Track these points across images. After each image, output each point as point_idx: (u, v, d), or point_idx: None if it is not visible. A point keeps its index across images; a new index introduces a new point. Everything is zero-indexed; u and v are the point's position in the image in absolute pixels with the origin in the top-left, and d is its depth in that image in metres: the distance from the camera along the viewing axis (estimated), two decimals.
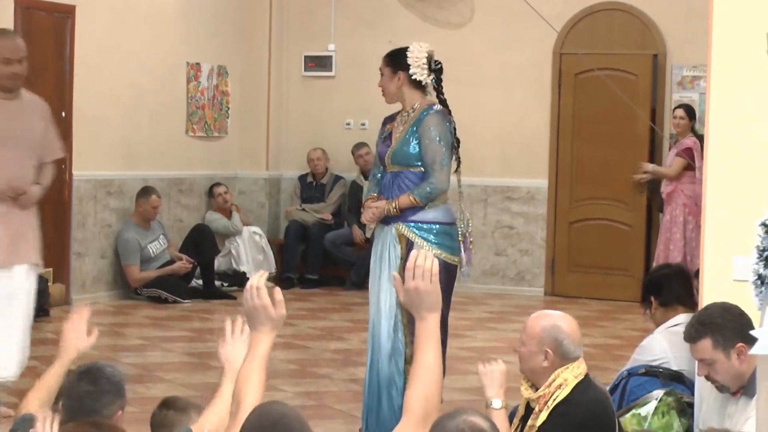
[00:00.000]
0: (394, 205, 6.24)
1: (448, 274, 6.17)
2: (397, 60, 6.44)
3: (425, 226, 6.26)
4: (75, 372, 4.03)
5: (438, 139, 6.26)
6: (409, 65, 6.40)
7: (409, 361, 6.26)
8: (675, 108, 11.83)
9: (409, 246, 6.19)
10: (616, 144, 12.24)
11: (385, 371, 6.26)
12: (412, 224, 6.25)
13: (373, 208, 6.28)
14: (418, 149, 6.28)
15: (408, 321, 6.23)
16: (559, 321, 4.62)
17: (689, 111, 11.59)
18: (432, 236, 6.26)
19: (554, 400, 4.53)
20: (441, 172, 6.25)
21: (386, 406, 6.26)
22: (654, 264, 11.22)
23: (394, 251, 6.27)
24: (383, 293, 6.28)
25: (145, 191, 11.67)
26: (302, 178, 13.31)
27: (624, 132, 12.23)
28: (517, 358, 4.70)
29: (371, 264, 6.40)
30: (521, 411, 4.75)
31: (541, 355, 4.57)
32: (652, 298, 6.08)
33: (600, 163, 12.37)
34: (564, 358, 4.57)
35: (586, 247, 12.49)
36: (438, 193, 6.27)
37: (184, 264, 11.73)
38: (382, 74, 6.48)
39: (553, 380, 4.55)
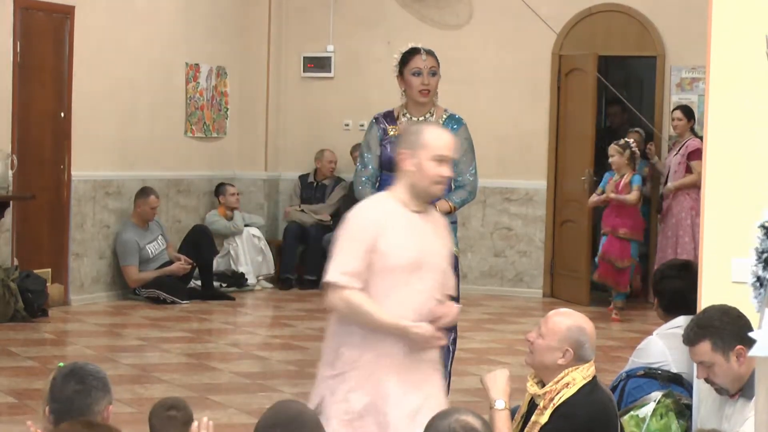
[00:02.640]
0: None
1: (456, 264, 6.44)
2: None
3: (449, 227, 6.38)
4: (59, 375, 4.02)
5: (472, 149, 6.46)
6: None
7: None
8: (673, 109, 11.83)
9: None
10: (586, 143, 12.20)
11: None
12: None
13: None
14: None
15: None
16: (583, 323, 4.68)
17: (687, 112, 11.58)
18: (453, 235, 6.40)
19: (560, 398, 4.55)
20: (475, 181, 6.46)
21: None
22: (654, 266, 11.19)
23: None
24: None
25: (144, 192, 11.67)
26: (303, 178, 13.30)
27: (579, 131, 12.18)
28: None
29: None
30: (523, 408, 4.76)
31: (559, 353, 4.60)
32: (656, 300, 6.12)
33: (581, 163, 12.28)
34: (580, 360, 4.63)
35: (569, 248, 12.44)
36: (471, 200, 6.50)
37: (182, 265, 11.72)
38: (433, 73, 6.40)
39: (561, 378, 4.58)
